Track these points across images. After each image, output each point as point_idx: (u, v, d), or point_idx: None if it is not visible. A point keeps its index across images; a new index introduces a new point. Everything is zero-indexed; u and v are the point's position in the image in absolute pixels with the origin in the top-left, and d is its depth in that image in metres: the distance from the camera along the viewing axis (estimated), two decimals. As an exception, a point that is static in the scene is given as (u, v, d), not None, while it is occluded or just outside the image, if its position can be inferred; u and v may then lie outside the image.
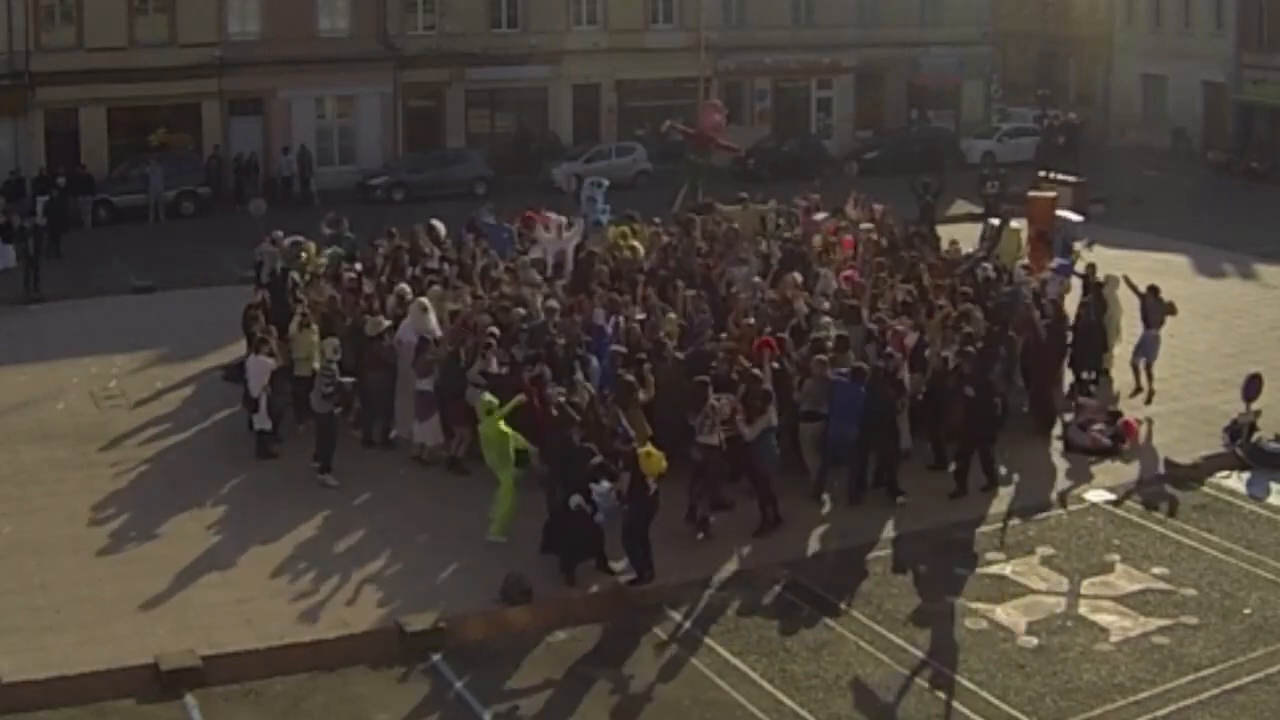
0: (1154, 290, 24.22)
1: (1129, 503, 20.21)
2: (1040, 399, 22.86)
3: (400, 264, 25.52)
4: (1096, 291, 24.35)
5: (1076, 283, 25.59)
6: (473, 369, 20.49)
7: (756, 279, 24.61)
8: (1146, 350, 24.07)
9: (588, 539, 17.40)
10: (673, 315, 22.20)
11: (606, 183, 27.97)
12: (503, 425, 18.42)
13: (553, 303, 22.86)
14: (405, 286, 23.55)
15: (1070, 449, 21.83)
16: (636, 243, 26.87)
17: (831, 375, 19.78)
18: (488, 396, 18.91)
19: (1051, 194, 32.73)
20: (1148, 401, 23.77)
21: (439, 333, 21.80)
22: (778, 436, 19.15)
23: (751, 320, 21.76)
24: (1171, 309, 24.32)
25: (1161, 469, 21.32)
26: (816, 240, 27.80)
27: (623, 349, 20.84)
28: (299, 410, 21.99)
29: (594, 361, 21.06)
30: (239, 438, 21.97)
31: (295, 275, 24.72)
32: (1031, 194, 33.03)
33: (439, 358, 20.87)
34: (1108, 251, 31.85)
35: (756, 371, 19.38)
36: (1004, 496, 20.30)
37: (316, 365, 21.25)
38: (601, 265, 25.05)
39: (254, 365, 21.33)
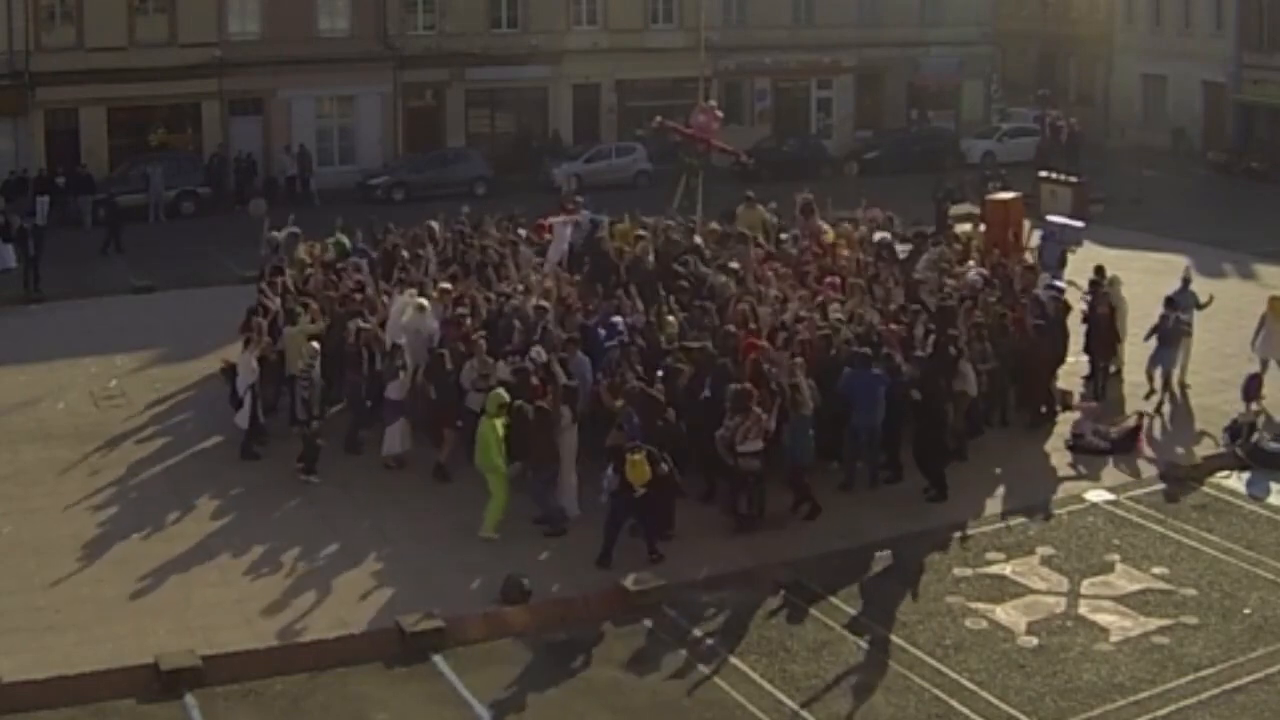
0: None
1: (1129, 503, 20.20)
2: (1030, 398, 22.86)
3: (395, 262, 25.52)
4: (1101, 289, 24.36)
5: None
6: (467, 372, 20.46)
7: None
8: (1163, 358, 23.92)
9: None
10: (670, 317, 22.12)
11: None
12: (500, 428, 18.42)
13: (543, 302, 22.85)
14: (413, 291, 23.48)
15: (1075, 450, 21.83)
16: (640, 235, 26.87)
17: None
18: (501, 392, 18.89)
19: (1011, 195, 32.28)
20: (1159, 407, 23.67)
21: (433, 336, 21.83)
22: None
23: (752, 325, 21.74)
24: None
25: (1161, 469, 21.34)
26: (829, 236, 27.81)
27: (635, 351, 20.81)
28: (293, 409, 21.94)
29: (584, 358, 21.02)
30: (238, 438, 21.95)
31: (288, 281, 24.64)
32: (988, 198, 32.62)
33: (402, 366, 20.77)
34: (1108, 251, 31.85)
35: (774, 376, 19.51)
36: (1004, 496, 20.32)
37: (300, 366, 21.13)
38: (616, 261, 25.15)
39: (241, 362, 21.41)
